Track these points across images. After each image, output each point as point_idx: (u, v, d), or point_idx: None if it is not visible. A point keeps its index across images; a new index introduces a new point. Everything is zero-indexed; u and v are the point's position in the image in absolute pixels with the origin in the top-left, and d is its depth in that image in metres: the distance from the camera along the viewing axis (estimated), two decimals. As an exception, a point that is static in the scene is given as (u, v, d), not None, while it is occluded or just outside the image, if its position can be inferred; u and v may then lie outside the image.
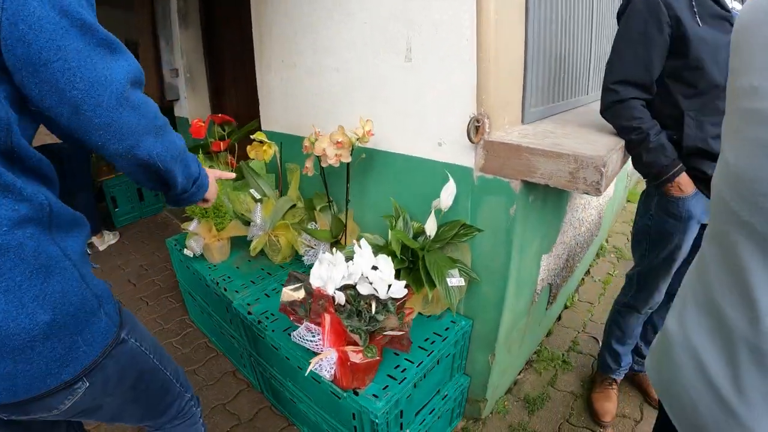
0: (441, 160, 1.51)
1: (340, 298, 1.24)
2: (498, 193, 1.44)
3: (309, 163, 1.66)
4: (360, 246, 1.34)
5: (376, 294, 1.23)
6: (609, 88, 1.41)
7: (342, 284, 1.26)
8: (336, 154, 1.51)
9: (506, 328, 1.64)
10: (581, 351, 2.16)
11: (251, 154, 1.87)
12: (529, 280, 1.74)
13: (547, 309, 2.10)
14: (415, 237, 1.54)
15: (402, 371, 1.41)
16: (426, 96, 1.49)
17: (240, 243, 2.06)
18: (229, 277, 1.90)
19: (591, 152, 1.28)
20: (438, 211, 1.49)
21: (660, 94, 1.42)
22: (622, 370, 1.87)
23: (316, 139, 1.56)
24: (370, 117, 1.64)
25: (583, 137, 1.47)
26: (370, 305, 1.26)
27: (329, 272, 1.23)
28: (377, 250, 1.47)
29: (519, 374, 2.03)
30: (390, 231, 1.50)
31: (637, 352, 1.90)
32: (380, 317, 1.24)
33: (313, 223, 1.77)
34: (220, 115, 2.10)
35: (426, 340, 1.52)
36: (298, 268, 1.90)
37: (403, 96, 1.54)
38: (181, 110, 3.47)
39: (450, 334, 1.56)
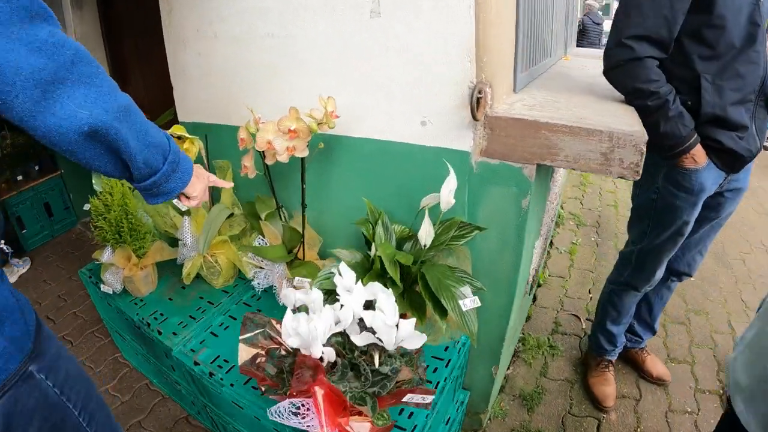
0: (426, 144, 1.10)
1: (330, 355, 0.82)
2: (506, 183, 1.07)
3: (248, 162, 1.17)
4: (340, 273, 0.92)
5: (380, 343, 0.83)
6: (623, 43, 1.07)
7: (329, 334, 0.84)
8: (288, 148, 1.04)
9: (509, 335, 1.33)
10: (565, 332, 1.91)
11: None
12: (527, 273, 1.43)
13: (529, 294, 1.83)
14: (400, 245, 1.14)
15: (409, 417, 1.04)
16: (401, 61, 1.05)
17: (168, 265, 1.51)
18: (161, 314, 1.37)
19: (627, 127, 0.95)
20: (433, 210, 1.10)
21: (672, 54, 1.11)
22: (617, 350, 1.65)
23: (257, 129, 1.08)
24: (325, 94, 1.18)
25: (600, 107, 1.13)
26: (372, 357, 0.86)
27: (309, 325, 0.79)
28: (356, 269, 1.05)
29: (508, 369, 1.74)
30: (372, 243, 1.09)
31: (630, 330, 1.69)
32: (386, 370, 0.85)
33: (260, 237, 1.30)
34: None
35: (426, 368, 1.15)
36: (245, 292, 1.42)
37: (370, 63, 1.09)
38: None
39: (452, 355, 1.20)
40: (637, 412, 1.56)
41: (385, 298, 0.84)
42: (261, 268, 1.28)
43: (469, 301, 1.00)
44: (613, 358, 1.65)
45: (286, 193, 1.36)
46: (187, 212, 1.38)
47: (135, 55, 2.32)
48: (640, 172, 0.96)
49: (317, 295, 0.87)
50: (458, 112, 1.03)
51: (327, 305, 0.84)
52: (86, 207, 1.47)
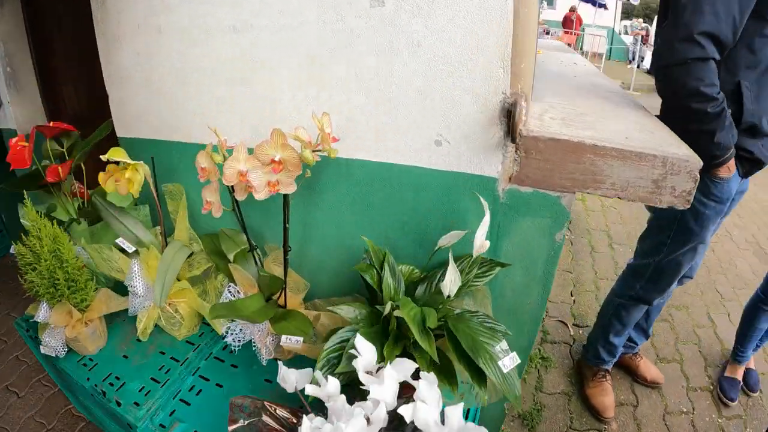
0: (441, 168, 0.86)
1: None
2: (539, 214, 0.85)
3: (211, 196, 0.85)
4: (358, 351, 0.66)
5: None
6: (694, 38, 0.88)
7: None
8: (270, 183, 0.75)
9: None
10: (554, 340, 1.76)
11: (108, 187, 0.98)
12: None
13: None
14: (409, 291, 0.89)
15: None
16: (411, 64, 0.79)
17: (118, 311, 1.18)
18: (117, 378, 1.03)
19: (681, 152, 0.76)
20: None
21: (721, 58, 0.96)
22: (615, 360, 1.54)
23: (224, 157, 0.78)
24: (308, 106, 0.89)
25: (634, 121, 0.93)
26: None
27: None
28: (365, 332, 0.79)
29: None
30: (378, 292, 0.83)
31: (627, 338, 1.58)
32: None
33: (230, 285, 1.00)
34: (51, 124, 1.10)
35: None
36: (214, 343, 1.10)
37: (367, 64, 0.82)
38: (5, 120, 1.89)
39: (471, 406, 1.00)
40: (636, 418, 1.46)
41: (428, 386, 0.60)
42: (234, 320, 0.99)
43: (508, 360, 0.79)
44: (610, 367, 1.54)
45: (261, 227, 1.06)
46: (135, 253, 1.05)
47: (66, 57, 1.82)
48: (692, 200, 0.79)
49: (335, 389, 0.61)
50: (485, 130, 0.80)
51: (356, 406, 0.59)
52: (12, 251, 1.10)
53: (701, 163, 0.75)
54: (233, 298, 0.94)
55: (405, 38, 0.78)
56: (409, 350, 0.78)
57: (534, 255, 0.88)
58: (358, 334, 0.68)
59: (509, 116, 0.77)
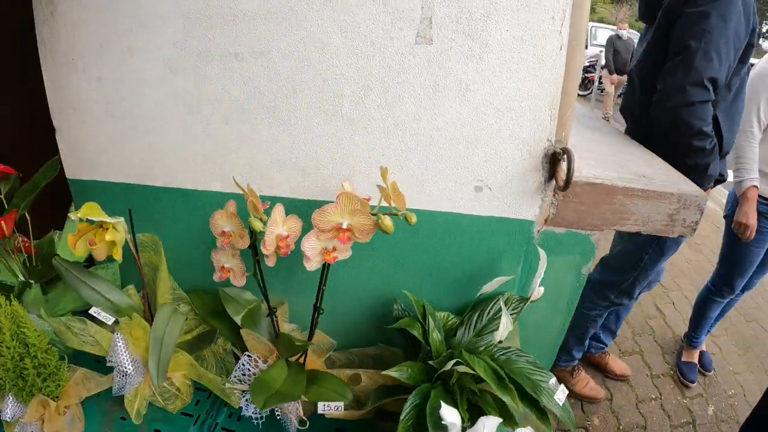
0: (479, 214, 0.85)
1: None
2: (569, 251, 0.88)
3: (230, 262, 0.74)
4: (445, 419, 0.64)
5: None
6: (703, 84, 0.98)
7: None
8: (328, 251, 0.68)
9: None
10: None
11: (78, 251, 0.81)
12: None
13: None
14: (448, 337, 0.88)
15: None
16: (455, 107, 0.76)
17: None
18: None
19: (691, 189, 0.85)
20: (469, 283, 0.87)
21: None
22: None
23: (262, 220, 0.68)
24: (336, 149, 0.82)
25: (644, 160, 1.01)
26: None
27: None
28: (418, 387, 0.77)
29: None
30: (423, 344, 0.80)
31: (595, 338, 1.73)
32: None
33: (247, 354, 0.86)
34: None
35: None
36: (216, 411, 0.96)
37: (406, 105, 0.76)
38: None
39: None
40: (613, 411, 1.62)
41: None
42: (245, 390, 0.89)
43: (560, 393, 0.82)
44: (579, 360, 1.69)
45: (274, 282, 0.95)
46: (116, 324, 0.89)
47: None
48: (696, 229, 0.89)
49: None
50: (527, 176, 0.80)
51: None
52: None
53: (706, 197, 0.85)
54: (252, 369, 0.85)
55: (453, 81, 0.75)
56: (473, 401, 0.78)
57: (560, 288, 0.92)
58: (442, 404, 0.65)
59: (552, 162, 0.79)
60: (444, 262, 0.88)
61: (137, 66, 0.85)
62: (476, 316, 0.88)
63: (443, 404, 0.65)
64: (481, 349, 0.86)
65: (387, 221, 0.66)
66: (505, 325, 0.78)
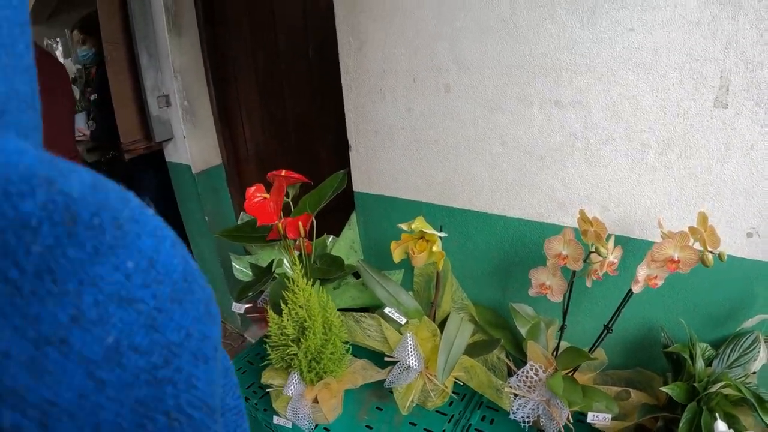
0: (746, 257, 1.10)
1: None
2: (822, 297, 1.13)
3: (549, 279, 0.97)
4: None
5: None
6: None
7: None
8: (651, 277, 0.93)
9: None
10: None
11: (396, 256, 1.06)
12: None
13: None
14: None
15: None
16: (740, 162, 1.02)
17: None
18: None
19: None
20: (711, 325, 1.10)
21: None
22: None
23: (606, 252, 0.93)
24: (635, 188, 1.07)
25: None
26: None
27: None
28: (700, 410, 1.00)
29: None
30: (690, 370, 1.03)
31: None
32: None
33: (531, 362, 1.11)
34: (284, 172, 1.14)
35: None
36: (470, 413, 1.21)
37: (701, 159, 1.01)
38: (177, 154, 1.98)
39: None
40: None
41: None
42: (517, 395, 1.12)
43: None
44: None
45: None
46: (406, 324, 1.14)
47: (247, 96, 1.79)
48: None
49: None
50: (795, 227, 1.05)
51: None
52: (236, 308, 1.14)
53: None
54: (533, 377, 1.09)
55: (741, 141, 1.00)
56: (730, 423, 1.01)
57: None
58: (718, 418, 0.89)
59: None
60: (707, 298, 1.11)
61: (452, 101, 1.12)
62: (729, 349, 1.11)
63: (717, 417, 0.88)
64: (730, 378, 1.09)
65: (710, 257, 0.90)
66: (762, 358, 1.02)
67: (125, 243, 0.20)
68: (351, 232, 1.29)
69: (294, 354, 1.07)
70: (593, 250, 0.93)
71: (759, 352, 1.04)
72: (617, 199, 1.06)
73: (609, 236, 0.95)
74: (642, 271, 0.91)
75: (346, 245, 1.25)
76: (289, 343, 1.07)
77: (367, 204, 1.22)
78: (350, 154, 1.22)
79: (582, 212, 0.94)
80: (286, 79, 1.65)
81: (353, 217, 1.29)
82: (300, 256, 1.22)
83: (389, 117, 1.16)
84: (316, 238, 1.24)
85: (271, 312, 1.07)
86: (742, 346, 1.11)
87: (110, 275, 0.20)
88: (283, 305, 1.07)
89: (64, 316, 0.19)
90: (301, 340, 1.07)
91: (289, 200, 1.22)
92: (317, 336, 1.06)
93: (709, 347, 1.12)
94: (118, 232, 0.20)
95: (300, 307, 1.06)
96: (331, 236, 1.30)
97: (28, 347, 0.18)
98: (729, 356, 1.11)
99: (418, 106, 1.14)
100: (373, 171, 1.21)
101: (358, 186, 1.23)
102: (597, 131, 1.04)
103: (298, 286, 1.06)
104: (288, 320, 1.06)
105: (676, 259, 0.88)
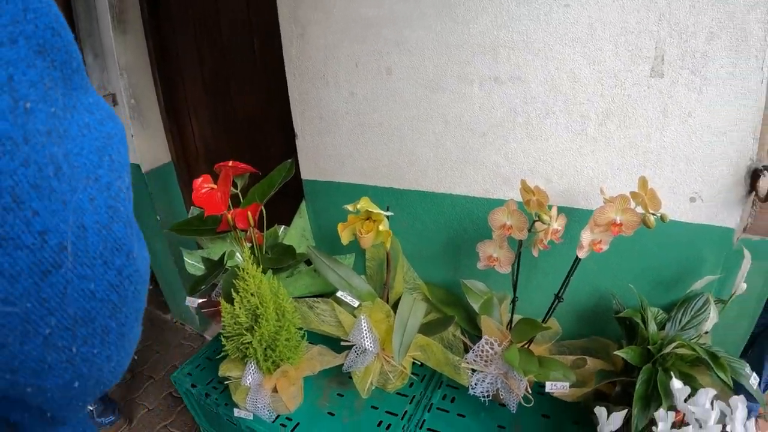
0: (691, 221, 1.12)
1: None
2: (761, 258, 1.14)
3: (497, 251, 1.00)
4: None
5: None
6: None
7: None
8: (596, 242, 0.95)
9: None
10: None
11: (344, 238, 1.07)
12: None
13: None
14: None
15: None
16: (679, 130, 1.03)
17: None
18: None
19: None
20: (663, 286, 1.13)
21: None
22: None
23: (549, 219, 0.94)
24: (577, 160, 1.09)
25: None
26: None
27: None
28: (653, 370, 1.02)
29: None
30: (668, 345, 1.05)
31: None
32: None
33: (486, 337, 1.12)
34: (232, 163, 1.14)
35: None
36: (430, 393, 1.23)
37: (640, 127, 1.04)
38: None
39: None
40: None
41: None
42: (474, 370, 1.14)
43: (753, 380, 1.06)
44: None
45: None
46: (359, 307, 1.15)
47: (195, 91, 1.78)
48: None
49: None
50: (731, 190, 1.07)
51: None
52: (190, 303, 1.14)
53: None
54: (489, 350, 1.10)
55: (678, 108, 1.03)
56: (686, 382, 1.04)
57: (749, 292, 1.18)
58: (673, 376, 0.91)
59: (753, 178, 1.07)
60: (655, 263, 1.14)
61: (394, 84, 1.13)
62: (681, 312, 1.13)
63: (672, 375, 0.91)
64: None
65: (651, 218, 0.92)
66: (712, 318, 1.05)
67: None
68: (301, 220, 1.30)
69: (248, 342, 1.07)
70: (537, 218, 0.95)
71: (710, 312, 1.07)
72: (560, 171, 1.08)
73: (551, 206, 0.97)
74: (585, 236, 0.93)
75: (297, 234, 1.26)
76: (243, 331, 1.08)
77: (315, 191, 1.23)
78: (297, 142, 1.23)
79: (523, 182, 0.96)
80: (232, 74, 1.65)
81: (303, 206, 1.30)
82: (252, 248, 1.22)
83: (333, 102, 1.18)
84: (268, 228, 1.24)
85: (223, 302, 1.07)
86: (693, 308, 1.14)
87: None
88: (234, 294, 1.07)
89: None
90: (255, 328, 1.07)
91: (238, 191, 1.22)
92: (270, 323, 1.06)
93: (661, 311, 1.15)
94: None
95: (252, 294, 1.06)
96: (283, 226, 1.31)
97: None
98: (681, 319, 1.14)
99: (361, 90, 1.15)
100: (320, 158, 1.22)
101: (306, 173, 1.24)
102: (537, 105, 1.06)
103: (248, 273, 1.06)
104: (240, 308, 1.06)
105: (619, 222, 0.90)
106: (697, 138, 1.05)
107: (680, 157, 1.06)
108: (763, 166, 1.04)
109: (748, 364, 1.09)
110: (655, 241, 1.13)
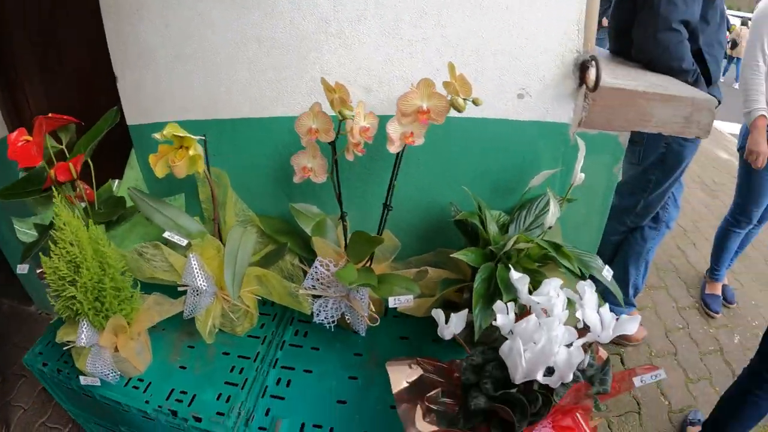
0: (523, 119, 1.10)
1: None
2: (601, 152, 1.14)
3: (310, 161, 0.96)
4: (515, 280, 0.87)
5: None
6: (672, 28, 1.31)
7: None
8: (407, 134, 0.91)
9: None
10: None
11: (159, 170, 1.01)
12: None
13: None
14: (501, 231, 1.13)
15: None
16: (498, 25, 1.00)
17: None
18: (183, 393, 1.04)
19: (702, 95, 1.12)
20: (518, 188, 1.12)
21: None
22: None
23: (351, 112, 0.90)
24: (391, 63, 1.06)
25: (652, 75, 1.32)
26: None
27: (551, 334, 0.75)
28: (480, 265, 1.00)
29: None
30: (509, 241, 1.02)
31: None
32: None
33: (319, 259, 1.09)
34: (51, 114, 1.06)
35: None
36: (283, 331, 1.19)
37: (455, 25, 1.01)
38: None
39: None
40: (645, 340, 1.94)
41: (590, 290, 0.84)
42: (320, 296, 1.10)
43: (606, 272, 1.05)
44: None
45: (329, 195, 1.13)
46: (189, 246, 1.09)
47: (30, 45, 1.64)
48: (710, 131, 1.17)
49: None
50: (561, 83, 1.05)
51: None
52: (21, 270, 1.07)
53: (716, 102, 1.13)
54: (325, 272, 1.06)
55: (495, 3, 1.00)
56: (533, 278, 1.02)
57: (595, 188, 1.17)
58: (512, 268, 0.89)
59: (582, 70, 1.05)
60: (493, 166, 1.12)
61: (204, 7, 1.07)
62: (524, 213, 1.11)
63: (514, 270, 0.88)
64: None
65: (460, 101, 0.88)
66: (554, 212, 1.03)
67: None
68: (132, 171, 1.23)
69: (74, 296, 1.00)
70: (340, 116, 0.91)
71: (551, 207, 1.04)
72: (379, 79, 1.05)
73: (360, 104, 0.92)
74: (392, 128, 0.89)
75: (130, 185, 1.19)
76: (67, 285, 1.01)
77: (143, 137, 1.17)
78: (117, 84, 1.16)
79: (323, 80, 0.92)
80: (62, 35, 1.55)
81: (132, 155, 1.23)
82: (86, 208, 1.15)
83: (149, 37, 1.11)
84: (101, 183, 1.17)
85: (42, 256, 1.00)
86: (536, 207, 1.13)
87: None
88: (52, 246, 1.00)
89: None
90: (77, 279, 1.00)
91: (64, 147, 1.15)
92: (92, 271, 1.00)
93: (504, 214, 1.14)
94: None
95: (70, 244, 1.00)
96: (117, 180, 1.24)
97: None
98: (525, 219, 1.12)
99: (175, 20, 1.09)
100: (142, 99, 1.16)
101: (131, 119, 1.17)
102: (347, 11, 1.02)
103: (64, 222, 0.99)
104: (59, 259, 0.99)
105: (426, 108, 0.87)
106: (517, 32, 1.03)
107: (502, 53, 1.04)
108: (590, 56, 1.03)
109: (599, 258, 1.09)
110: (489, 145, 1.11)
